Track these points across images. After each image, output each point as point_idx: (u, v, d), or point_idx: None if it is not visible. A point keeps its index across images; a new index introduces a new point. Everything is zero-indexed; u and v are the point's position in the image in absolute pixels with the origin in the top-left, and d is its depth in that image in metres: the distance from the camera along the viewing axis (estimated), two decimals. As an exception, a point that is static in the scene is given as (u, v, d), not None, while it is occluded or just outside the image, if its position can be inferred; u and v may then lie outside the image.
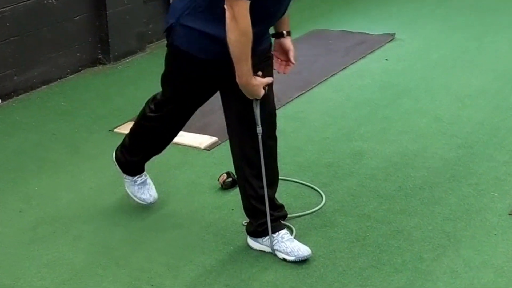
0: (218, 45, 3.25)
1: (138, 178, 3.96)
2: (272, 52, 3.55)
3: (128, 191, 3.99)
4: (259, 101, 3.35)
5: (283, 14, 3.41)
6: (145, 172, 3.99)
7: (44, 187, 4.30)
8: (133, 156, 3.90)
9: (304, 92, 5.50)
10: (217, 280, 3.45)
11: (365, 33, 6.80)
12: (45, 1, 5.69)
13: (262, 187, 3.52)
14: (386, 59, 6.19)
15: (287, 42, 3.57)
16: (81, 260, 3.62)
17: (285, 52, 3.57)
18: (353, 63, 6.10)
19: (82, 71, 6.07)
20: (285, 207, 3.75)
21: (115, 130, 4.99)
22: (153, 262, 3.59)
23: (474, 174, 4.31)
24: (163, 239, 3.78)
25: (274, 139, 3.61)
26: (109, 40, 6.14)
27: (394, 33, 6.71)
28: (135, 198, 3.97)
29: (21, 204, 4.11)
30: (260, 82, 3.29)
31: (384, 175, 4.33)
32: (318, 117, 5.14)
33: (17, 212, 4.03)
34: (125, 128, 4.99)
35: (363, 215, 3.94)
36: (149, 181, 3.99)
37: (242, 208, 3.68)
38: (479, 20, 7.12)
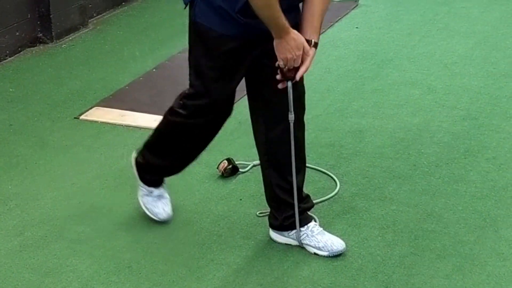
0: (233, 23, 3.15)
1: (155, 189, 3.74)
2: None
3: (140, 201, 3.75)
4: (292, 83, 3.23)
5: None
6: (164, 186, 3.76)
7: (18, 185, 4.07)
8: (157, 157, 3.61)
9: (280, 66, 5.39)
10: (248, 280, 3.33)
11: (324, -1, 6.74)
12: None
13: (291, 177, 3.42)
14: (357, 27, 6.17)
15: None
16: (86, 266, 3.43)
17: None
18: (322, 32, 6.00)
19: (22, 52, 5.80)
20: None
21: (82, 117, 4.78)
22: (170, 263, 3.44)
23: (488, 148, 4.32)
24: (173, 238, 3.63)
25: (303, 123, 3.50)
26: (51, 15, 5.88)
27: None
28: (146, 211, 3.74)
29: (-3, 206, 3.89)
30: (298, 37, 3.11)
31: (394, 153, 4.30)
32: (302, 93, 5.06)
33: (-5, 216, 3.81)
34: (93, 115, 4.81)
35: (384, 198, 3.89)
36: (166, 195, 3.75)
37: (266, 200, 3.58)
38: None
